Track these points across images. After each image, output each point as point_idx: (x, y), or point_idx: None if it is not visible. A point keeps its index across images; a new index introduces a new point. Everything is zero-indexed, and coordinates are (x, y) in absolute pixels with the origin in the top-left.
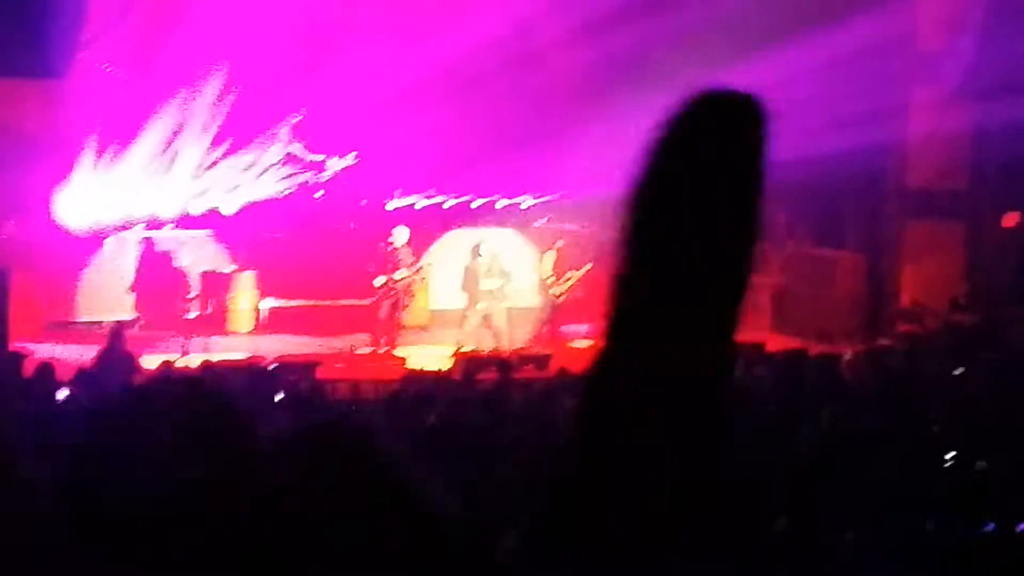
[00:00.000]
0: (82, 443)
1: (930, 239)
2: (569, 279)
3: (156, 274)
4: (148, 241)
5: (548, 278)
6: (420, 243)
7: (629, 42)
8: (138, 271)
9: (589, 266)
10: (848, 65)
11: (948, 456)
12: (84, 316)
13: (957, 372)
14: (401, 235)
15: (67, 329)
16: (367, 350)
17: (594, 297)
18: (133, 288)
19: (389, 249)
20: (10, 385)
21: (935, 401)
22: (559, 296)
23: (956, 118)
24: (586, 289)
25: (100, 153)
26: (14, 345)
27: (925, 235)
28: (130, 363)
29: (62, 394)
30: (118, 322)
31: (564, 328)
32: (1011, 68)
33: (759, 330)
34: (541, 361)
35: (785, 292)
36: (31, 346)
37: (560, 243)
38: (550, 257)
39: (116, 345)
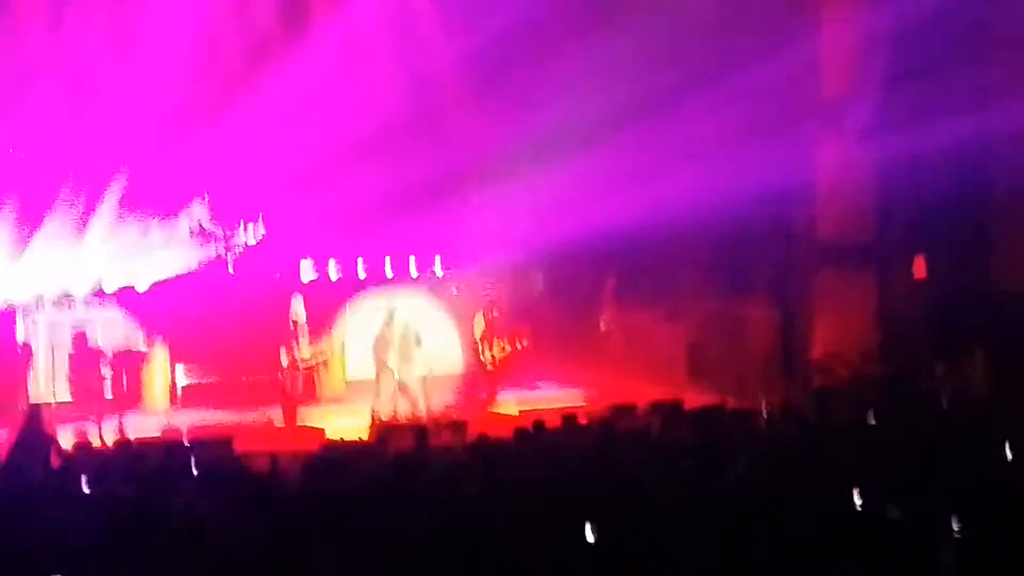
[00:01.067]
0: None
1: (841, 290)
2: (503, 350)
3: (74, 354)
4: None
5: (480, 342)
6: (332, 311)
7: (526, 101)
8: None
9: (523, 344)
10: (752, 117)
11: (858, 503)
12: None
13: (870, 422)
14: (298, 307)
15: None
16: (281, 423)
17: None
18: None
19: (291, 324)
20: None
21: (846, 450)
22: (492, 363)
23: (861, 167)
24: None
25: (9, 232)
26: None
27: (836, 286)
28: (49, 443)
29: None
30: (36, 403)
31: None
32: (914, 116)
33: (676, 386)
34: (458, 427)
35: (700, 346)
36: None
37: (485, 310)
38: (479, 321)
39: (35, 425)
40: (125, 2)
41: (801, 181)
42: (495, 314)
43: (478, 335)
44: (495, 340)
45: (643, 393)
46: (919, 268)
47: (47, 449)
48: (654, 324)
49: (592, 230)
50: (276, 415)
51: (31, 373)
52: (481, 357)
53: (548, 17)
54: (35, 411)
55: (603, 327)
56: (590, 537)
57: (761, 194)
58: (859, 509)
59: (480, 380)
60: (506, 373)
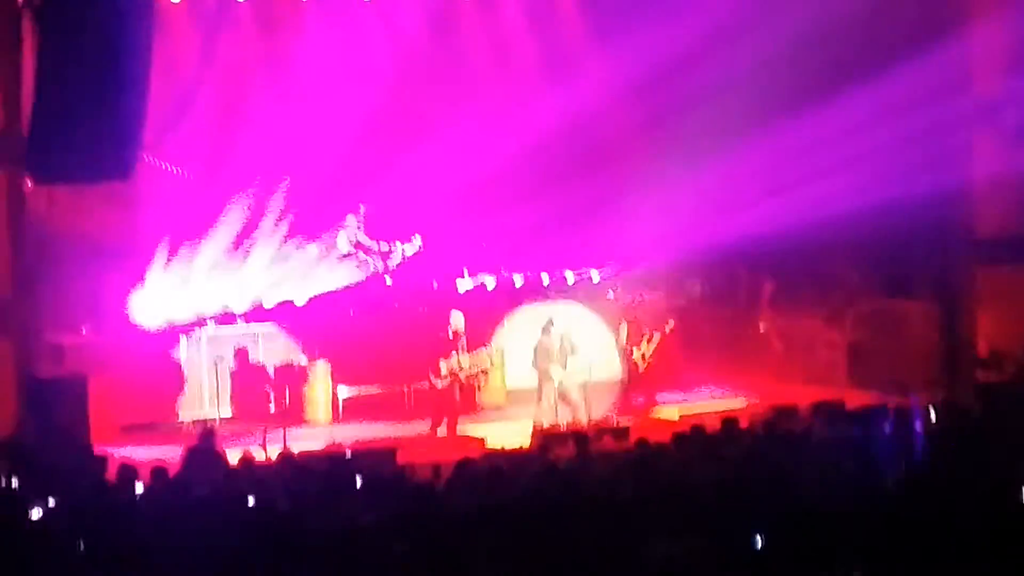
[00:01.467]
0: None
1: (1003, 285)
2: (650, 341)
3: (236, 371)
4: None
5: (628, 347)
6: (491, 322)
7: (677, 107)
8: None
9: (669, 326)
10: (909, 114)
11: None
12: (163, 417)
13: None
14: (457, 319)
15: (146, 431)
16: (442, 434)
17: (671, 365)
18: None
19: (450, 334)
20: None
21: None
22: (643, 361)
23: (1019, 160)
24: (663, 358)
25: (171, 253)
26: (96, 449)
27: (997, 281)
28: (219, 462)
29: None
30: (210, 421)
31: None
32: None
33: (837, 386)
34: (620, 433)
35: (860, 347)
36: (110, 449)
37: (627, 314)
38: (624, 328)
39: (208, 444)
40: (280, 24)
41: (959, 178)
42: (637, 316)
43: (623, 340)
44: (641, 341)
45: (804, 396)
46: None
47: (217, 466)
48: (813, 327)
49: (748, 233)
50: (437, 426)
51: (188, 390)
52: (631, 361)
53: (698, 21)
54: (210, 429)
55: (762, 331)
56: (757, 544)
57: (919, 192)
58: None
59: (635, 384)
60: (661, 373)
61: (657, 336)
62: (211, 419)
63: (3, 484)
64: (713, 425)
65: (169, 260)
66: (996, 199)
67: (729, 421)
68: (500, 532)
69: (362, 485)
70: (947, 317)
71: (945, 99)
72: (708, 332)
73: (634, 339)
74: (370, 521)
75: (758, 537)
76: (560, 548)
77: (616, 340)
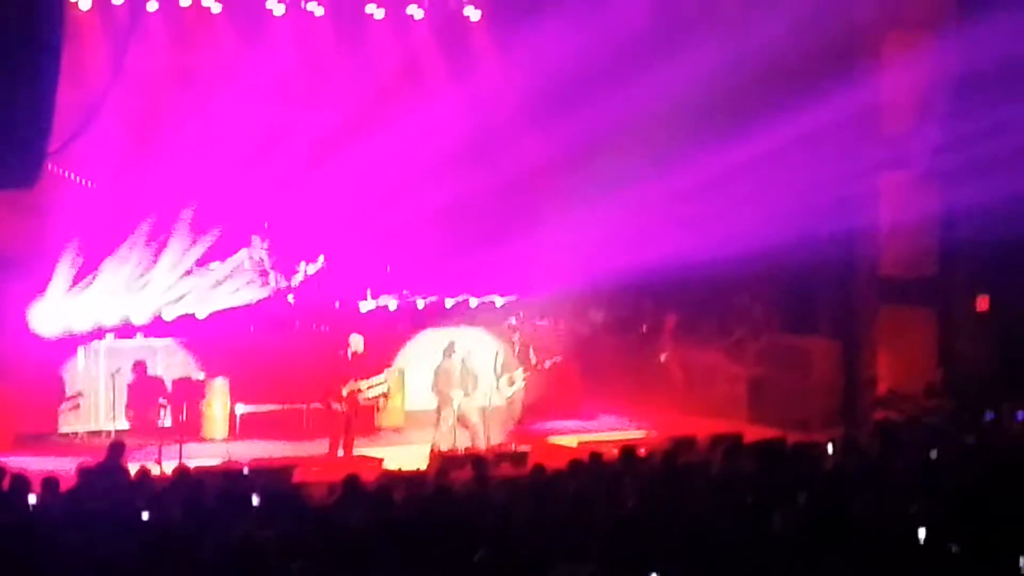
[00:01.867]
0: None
1: (904, 325)
2: (513, 380)
3: (133, 384)
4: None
5: (500, 377)
6: (392, 344)
7: (588, 137)
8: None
9: (552, 361)
10: (817, 152)
11: (921, 536)
12: (59, 427)
13: (933, 456)
14: (357, 342)
15: (39, 441)
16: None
17: (567, 393)
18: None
19: (349, 355)
20: None
21: (911, 485)
22: (510, 396)
23: (925, 202)
24: (559, 385)
25: (73, 264)
26: None
27: (899, 321)
28: (123, 477)
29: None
30: (117, 434)
31: (539, 424)
32: (976, 150)
33: (737, 420)
34: (518, 458)
35: (762, 382)
36: (2, 458)
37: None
38: (499, 352)
39: (115, 457)
40: (191, 36)
41: (864, 217)
42: (517, 342)
43: (498, 367)
44: (518, 374)
45: (704, 428)
46: (982, 303)
47: (119, 481)
48: (715, 359)
49: (654, 264)
50: (335, 447)
51: (83, 402)
52: (511, 391)
53: (609, 51)
54: (117, 444)
55: (663, 361)
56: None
57: (825, 230)
58: (922, 544)
59: (530, 410)
60: (559, 400)
61: (519, 374)
62: (111, 431)
63: None
64: (611, 454)
65: (71, 271)
66: (900, 239)
67: (627, 450)
68: (396, 553)
69: (259, 502)
70: (849, 355)
71: (854, 139)
72: (610, 361)
73: (505, 369)
74: (266, 538)
75: (654, 573)
76: (457, 572)
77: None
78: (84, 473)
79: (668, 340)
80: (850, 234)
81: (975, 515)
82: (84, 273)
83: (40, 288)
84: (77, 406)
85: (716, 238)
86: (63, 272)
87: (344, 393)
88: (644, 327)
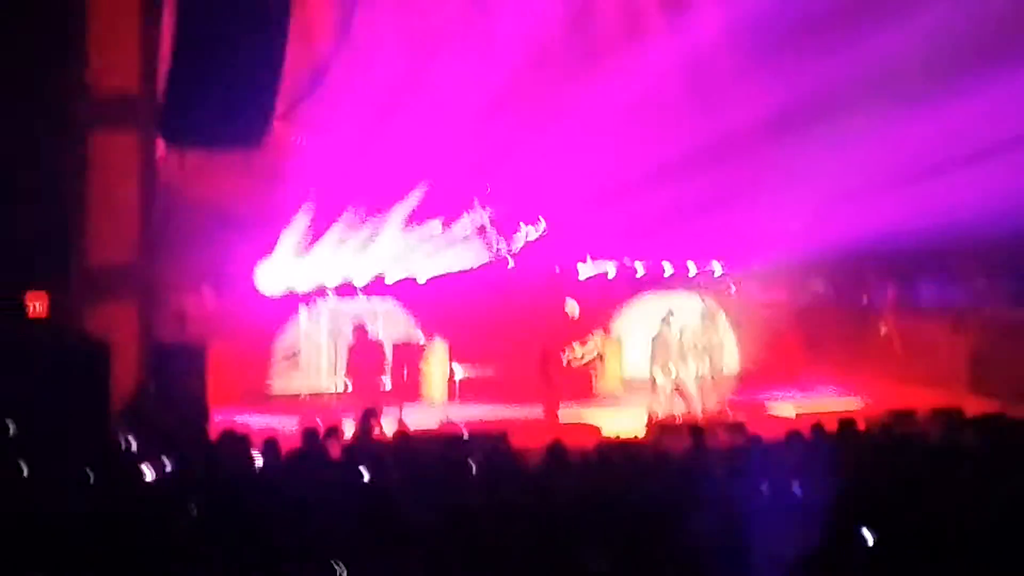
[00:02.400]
0: None
1: None
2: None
3: (354, 345)
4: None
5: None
6: (610, 309)
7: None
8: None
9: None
10: None
11: None
12: (280, 386)
13: None
14: (572, 307)
15: (263, 399)
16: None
17: (785, 362)
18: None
19: (568, 320)
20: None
21: None
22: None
23: None
24: (778, 354)
25: (299, 225)
26: (215, 417)
27: None
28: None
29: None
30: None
31: (758, 394)
32: None
33: (957, 394)
34: (735, 428)
35: (983, 355)
36: (227, 416)
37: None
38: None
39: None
40: (418, 2)
41: None
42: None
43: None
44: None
45: (922, 401)
46: None
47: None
48: (936, 332)
49: (874, 234)
50: (550, 412)
51: (305, 362)
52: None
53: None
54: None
55: (883, 333)
56: (869, 540)
57: None
58: None
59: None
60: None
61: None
62: (333, 392)
63: (122, 446)
64: (831, 425)
65: (298, 232)
66: None
67: (846, 422)
68: (611, 523)
69: (476, 468)
70: None
71: None
72: (829, 332)
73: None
74: (483, 504)
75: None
76: (672, 543)
77: (736, 335)
78: (309, 435)
79: (889, 312)
80: None
81: None
82: (310, 235)
83: (267, 248)
84: (296, 365)
85: (941, 208)
86: (290, 233)
87: (561, 358)
88: (865, 298)
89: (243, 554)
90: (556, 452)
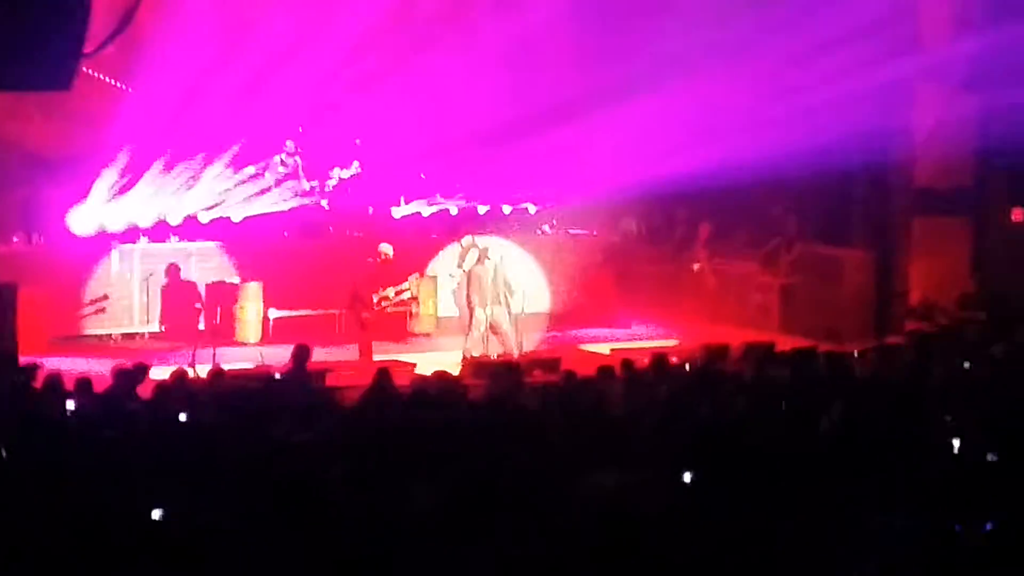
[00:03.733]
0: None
1: (937, 235)
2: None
3: (168, 287)
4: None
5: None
6: (425, 251)
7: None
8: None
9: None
10: (852, 62)
11: (955, 445)
12: (91, 329)
13: (966, 366)
14: (386, 249)
15: (75, 342)
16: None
17: (599, 301)
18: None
19: (379, 261)
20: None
21: (946, 395)
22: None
23: (961, 113)
24: (591, 293)
25: (109, 167)
26: (23, 359)
27: (932, 231)
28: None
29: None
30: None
31: (572, 332)
32: (1015, 61)
33: (768, 330)
34: (550, 365)
35: (793, 291)
36: (38, 360)
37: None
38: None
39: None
40: None
41: (899, 125)
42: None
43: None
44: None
45: (736, 338)
46: (1018, 214)
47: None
48: (748, 269)
49: (687, 173)
50: (365, 352)
51: (117, 304)
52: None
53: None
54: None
55: (696, 271)
56: (686, 478)
57: (859, 138)
58: (957, 454)
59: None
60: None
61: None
62: (145, 334)
63: None
64: (643, 362)
65: (109, 175)
66: (936, 150)
67: (659, 357)
68: (433, 455)
69: (294, 406)
70: (882, 265)
71: (890, 42)
72: (643, 270)
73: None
74: (304, 440)
75: (687, 473)
76: (491, 477)
77: (548, 273)
78: (119, 375)
79: (701, 249)
80: (885, 144)
81: (1010, 425)
82: (123, 178)
83: (75, 191)
84: (103, 309)
85: (750, 147)
86: (102, 176)
87: (374, 300)
88: (677, 236)
89: (55, 498)
90: (383, 381)
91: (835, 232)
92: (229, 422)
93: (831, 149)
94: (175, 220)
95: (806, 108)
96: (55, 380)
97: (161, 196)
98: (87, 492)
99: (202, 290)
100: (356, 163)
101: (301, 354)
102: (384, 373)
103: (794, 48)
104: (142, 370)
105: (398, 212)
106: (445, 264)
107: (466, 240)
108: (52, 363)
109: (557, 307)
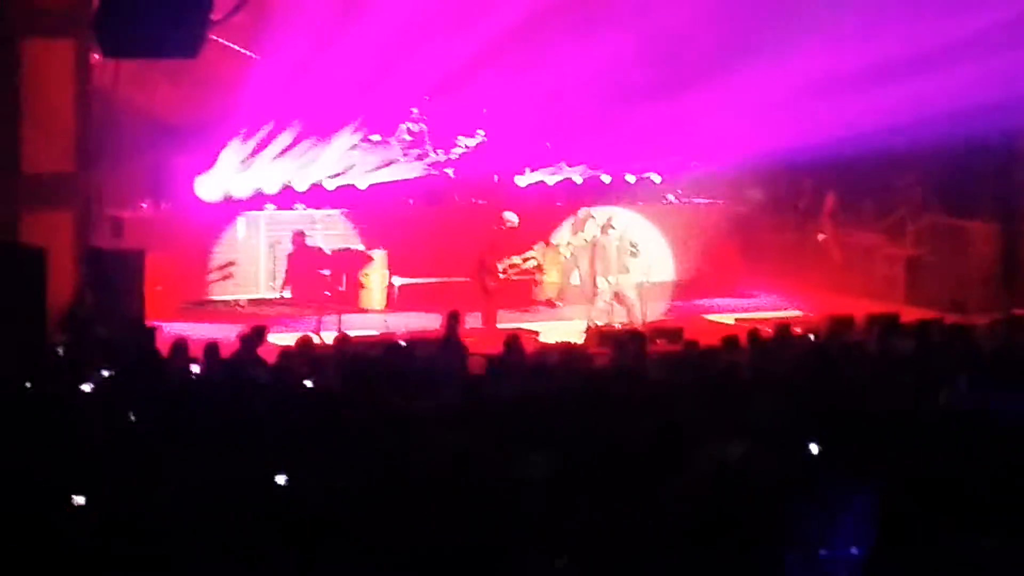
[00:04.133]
0: None
1: None
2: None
3: (294, 254)
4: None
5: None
6: (550, 220)
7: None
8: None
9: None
10: (983, 35)
11: None
12: (218, 295)
13: None
14: (511, 217)
15: (202, 308)
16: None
17: (724, 271)
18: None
19: (504, 229)
20: (147, 361)
21: None
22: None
23: None
24: (716, 263)
25: (236, 134)
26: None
27: None
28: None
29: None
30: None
31: (697, 302)
32: None
33: (893, 301)
34: (674, 335)
35: (919, 262)
36: (165, 325)
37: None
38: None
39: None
40: None
41: None
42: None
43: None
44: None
45: (861, 309)
46: None
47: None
48: (873, 240)
49: (812, 143)
50: (489, 320)
51: (244, 271)
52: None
53: None
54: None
55: (821, 241)
56: (814, 449)
57: (986, 109)
58: None
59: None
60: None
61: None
62: (273, 299)
63: (60, 354)
64: (767, 332)
65: (237, 142)
66: None
67: (783, 328)
68: (554, 424)
69: (416, 373)
70: (1008, 237)
71: (1019, 21)
72: (767, 240)
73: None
74: (425, 408)
75: (812, 445)
76: (615, 445)
77: (673, 242)
78: (242, 340)
79: (826, 220)
80: (1013, 115)
81: None
82: (250, 145)
83: (205, 159)
84: (230, 275)
85: (877, 117)
86: (229, 144)
87: (499, 268)
88: (803, 206)
89: (182, 464)
90: (513, 347)
91: (962, 203)
92: (353, 389)
93: (958, 119)
94: (301, 187)
95: (934, 78)
96: (182, 345)
97: (288, 163)
98: (213, 458)
99: (328, 257)
100: (481, 132)
101: (453, 321)
102: (514, 339)
103: (921, 18)
104: (259, 332)
105: (522, 180)
106: (570, 233)
107: (582, 212)
108: (179, 328)
109: (682, 276)
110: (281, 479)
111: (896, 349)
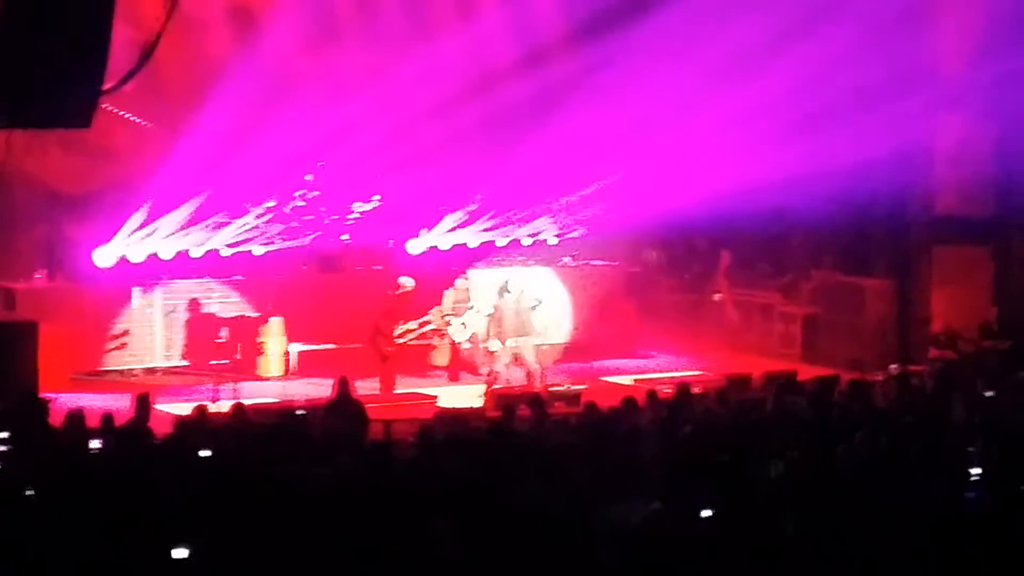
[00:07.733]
0: None
1: (958, 264)
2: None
3: (189, 321)
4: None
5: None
6: (444, 283)
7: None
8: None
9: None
10: (871, 93)
11: (975, 473)
12: (113, 365)
13: (988, 395)
14: (407, 282)
15: (97, 378)
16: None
17: (622, 332)
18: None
19: (400, 294)
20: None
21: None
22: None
23: (979, 141)
24: (613, 324)
25: (130, 203)
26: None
27: (953, 260)
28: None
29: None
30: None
31: (594, 364)
32: None
33: (790, 359)
34: (572, 397)
35: (816, 320)
36: (60, 396)
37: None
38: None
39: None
40: None
41: (919, 154)
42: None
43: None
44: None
45: (758, 367)
46: None
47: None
48: (769, 298)
49: (706, 204)
50: (387, 385)
51: (139, 339)
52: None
53: None
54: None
55: (718, 301)
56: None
57: (879, 167)
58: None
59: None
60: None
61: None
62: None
63: None
64: (666, 392)
65: (128, 209)
66: (955, 178)
67: (682, 387)
68: (458, 490)
69: (315, 440)
70: (903, 294)
71: (909, 71)
72: (664, 301)
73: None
74: (324, 475)
75: (707, 510)
76: (517, 512)
77: (572, 304)
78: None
79: (722, 279)
80: (905, 173)
81: None
82: (144, 213)
83: (100, 228)
84: (125, 344)
85: (770, 178)
86: (123, 212)
87: (394, 333)
88: (698, 266)
89: (82, 534)
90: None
91: (856, 261)
92: (250, 458)
93: (851, 179)
94: (196, 254)
95: (825, 138)
96: (77, 417)
97: (182, 231)
98: (110, 530)
99: (224, 324)
100: (377, 197)
101: (343, 385)
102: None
103: (812, 77)
104: (143, 400)
105: (417, 246)
106: (466, 296)
107: (459, 281)
108: (74, 399)
109: (579, 338)
110: (178, 552)
111: (794, 407)
